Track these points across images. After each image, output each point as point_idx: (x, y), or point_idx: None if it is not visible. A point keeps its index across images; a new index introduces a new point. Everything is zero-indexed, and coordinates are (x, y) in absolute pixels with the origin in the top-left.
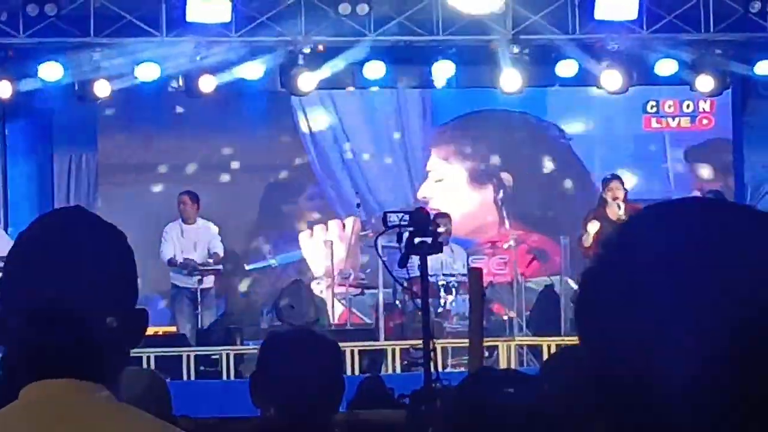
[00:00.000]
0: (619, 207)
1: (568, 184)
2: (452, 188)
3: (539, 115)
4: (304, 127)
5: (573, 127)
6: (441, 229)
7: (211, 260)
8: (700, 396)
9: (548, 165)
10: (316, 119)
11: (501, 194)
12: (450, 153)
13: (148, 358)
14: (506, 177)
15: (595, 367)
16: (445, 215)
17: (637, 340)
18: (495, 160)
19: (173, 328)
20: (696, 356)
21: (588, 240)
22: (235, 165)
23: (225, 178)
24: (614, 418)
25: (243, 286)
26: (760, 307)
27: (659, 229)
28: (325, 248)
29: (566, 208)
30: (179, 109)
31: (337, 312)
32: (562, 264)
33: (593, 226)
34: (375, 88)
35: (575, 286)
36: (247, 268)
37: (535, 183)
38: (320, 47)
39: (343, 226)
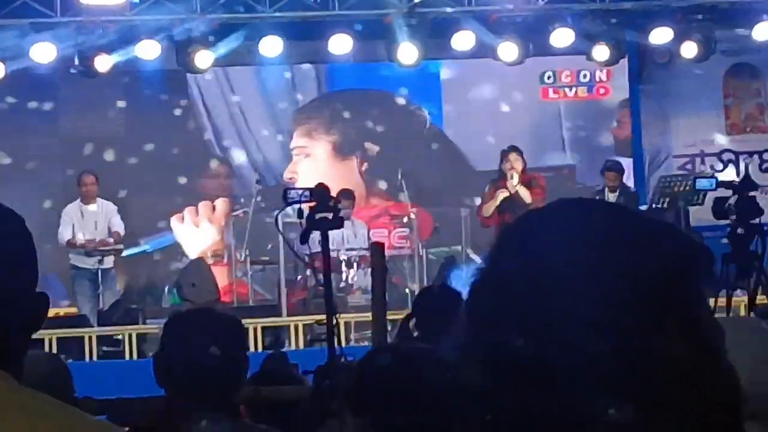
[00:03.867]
0: (512, 177)
1: (435, 160)
2: (317, 163)
3: (435, 88)
4: (199, 104)
5: (471, 98)
6: (343, 206)
7: (111, 239)
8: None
9: (414, 142)
10: (212, 97)
11: (365, 166)
12: (312, 129)
13: (50, 340)
14: (370, 147)
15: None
16: (349, 192)
17: (539, 329)
18: (359, 133)
19: (74, 309)
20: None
21: (489, 210)
22: (131, 144)
23: (121, 157)
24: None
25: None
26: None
27: (546, 234)
28: (197, 230)
29: (436, 181)
30: (76, 89)
31: None
32: (463, 235)
33: (503, 194)
34: (271, 65)
35: (476, 258)
36: (123, 254)
37: (402, 158)
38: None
39: (213, 207)
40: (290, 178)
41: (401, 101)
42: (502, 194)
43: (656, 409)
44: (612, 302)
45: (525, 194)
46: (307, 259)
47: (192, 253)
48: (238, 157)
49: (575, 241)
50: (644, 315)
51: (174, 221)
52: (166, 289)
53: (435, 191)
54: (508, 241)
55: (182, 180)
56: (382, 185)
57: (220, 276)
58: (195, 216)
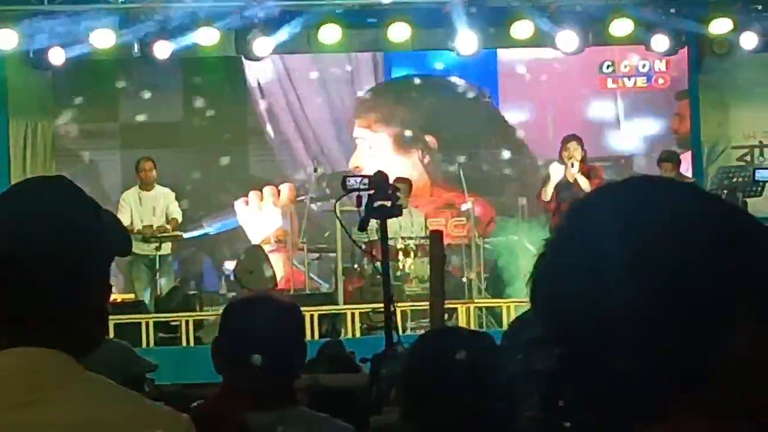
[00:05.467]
0: (572, 166)
1: (495, 146)
2: (379, 156)
3: (493, 77)
4: (256, 91)
5: (529, 88)
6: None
7: (169, 226)
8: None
9: (474, 129)
10: (269, 84)
11: (427, 159)
12: (372, 121)
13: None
14: (431, 140)
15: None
16: (405, 180)
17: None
18: (419, 125)
19: (131, 295)
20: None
21: (547, 194)
22: (189, 130)
23: (179, 143)
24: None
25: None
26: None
27: (607, 215)
28: (260, 215)
29: (496, 171)
30: (135, 75)
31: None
32: (520, 225)
33: (557, 172)
34: (329, 53)
35: (532, 248)
36: (185, 236)
37: (463, 147)
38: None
39: (278, 192)
40: (356, 167)
41: (462, 88)
42: (556, 172)
43: (715, 404)
44: (677, 292)
45: (584, 183)
46: (364, 247)
47: (254, 237)
48: (296, 146)
49: (637, 224)
50: (713, 304)
51: (238, 204)
52: (223, 278)
53: (493, 180)
54: (571, 229)
55: (240, 167)
56: (445, 176)
57: (280, 263)
58: (259, 200)
